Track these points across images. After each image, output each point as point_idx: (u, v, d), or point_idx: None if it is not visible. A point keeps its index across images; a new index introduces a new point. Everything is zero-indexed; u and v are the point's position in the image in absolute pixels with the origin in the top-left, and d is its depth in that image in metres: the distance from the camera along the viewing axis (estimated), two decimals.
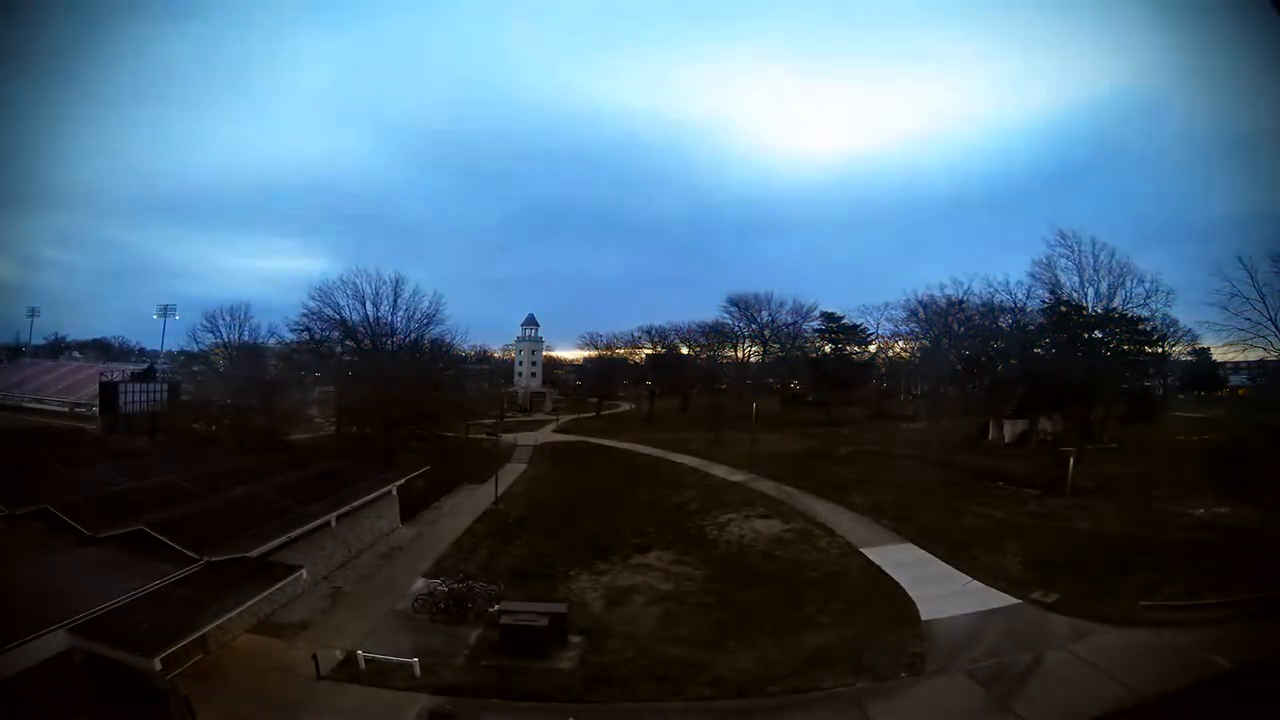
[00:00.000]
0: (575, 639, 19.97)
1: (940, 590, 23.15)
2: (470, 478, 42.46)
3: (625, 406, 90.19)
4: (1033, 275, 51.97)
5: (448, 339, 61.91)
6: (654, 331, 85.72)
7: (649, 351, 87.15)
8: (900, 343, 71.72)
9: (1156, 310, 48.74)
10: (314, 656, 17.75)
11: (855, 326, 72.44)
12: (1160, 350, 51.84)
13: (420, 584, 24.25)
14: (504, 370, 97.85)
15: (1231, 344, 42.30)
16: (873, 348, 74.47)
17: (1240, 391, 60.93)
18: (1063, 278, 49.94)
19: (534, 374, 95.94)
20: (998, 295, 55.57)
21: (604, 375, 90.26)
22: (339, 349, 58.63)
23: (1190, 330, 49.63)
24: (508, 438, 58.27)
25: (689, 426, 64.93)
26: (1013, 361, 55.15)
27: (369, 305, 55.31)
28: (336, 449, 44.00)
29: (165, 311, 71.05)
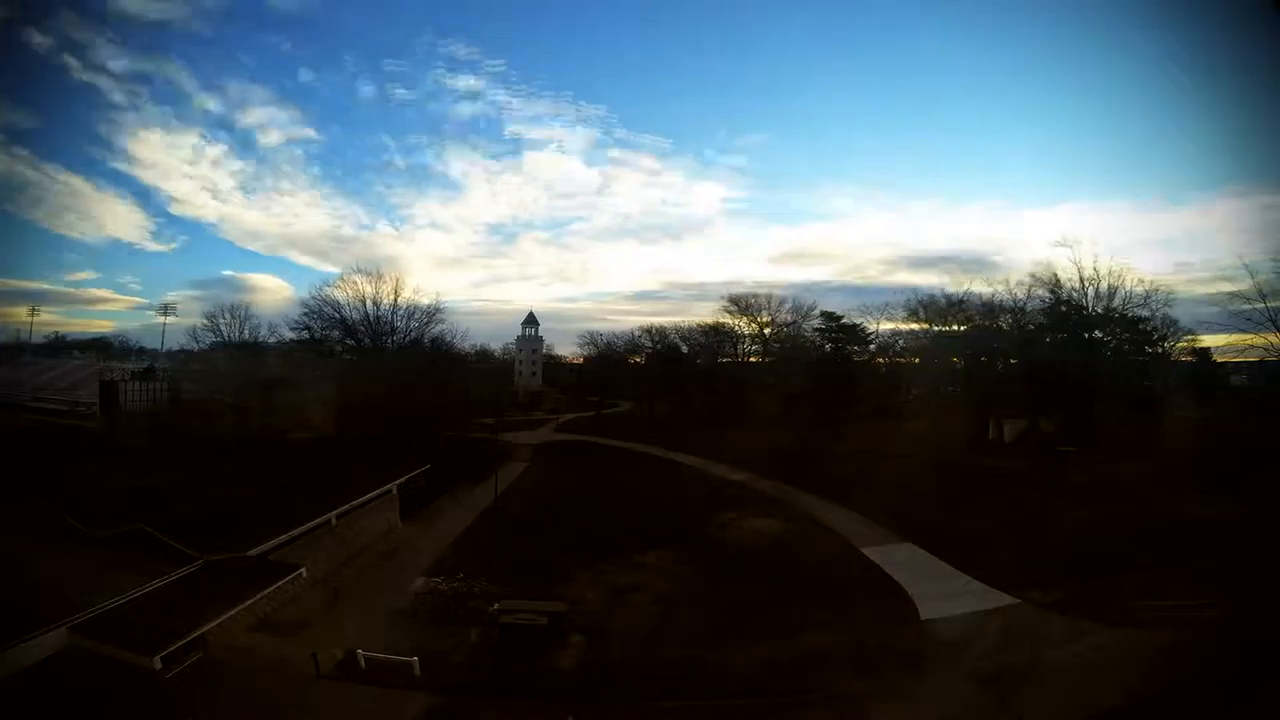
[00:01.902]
0: (575, 638, 19.98)
1: (940, 590, 23.17)
2: (471, 477, 42.44)
3: (625, 406, 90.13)
4: (1033, 275, 52.08)
5: (448, 338, 62.19)
6: (654, 331, 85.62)
7: (649, 350, 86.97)
8: (900, 342, 71.78)
9: (1156, 310, 48.88)
10: (314, 655, 17.74)
11: (855, 326, 72.46)
12: (1160, 350, 51.86)
13: (420, 583, 24.25)
14: (504, 369, 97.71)
15: (1231, 344, 42.44)
16: (873, 347, 74.48)
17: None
18: (1063, 278, 50.09)
19: (534, 373, 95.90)
20: (998, 295, 55.69)
21: (604, 374, 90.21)
22: (339, 348, 58.70)
23: (1190, 330, 49.86)
24: (508, 437, 58.25)
25: (689, 426, 64.86)
26: (1013, 361, 55.11)
27: (369, 304, 55.52)
28: (337, 449, 43.96)
29: (165, 310, 71.23)
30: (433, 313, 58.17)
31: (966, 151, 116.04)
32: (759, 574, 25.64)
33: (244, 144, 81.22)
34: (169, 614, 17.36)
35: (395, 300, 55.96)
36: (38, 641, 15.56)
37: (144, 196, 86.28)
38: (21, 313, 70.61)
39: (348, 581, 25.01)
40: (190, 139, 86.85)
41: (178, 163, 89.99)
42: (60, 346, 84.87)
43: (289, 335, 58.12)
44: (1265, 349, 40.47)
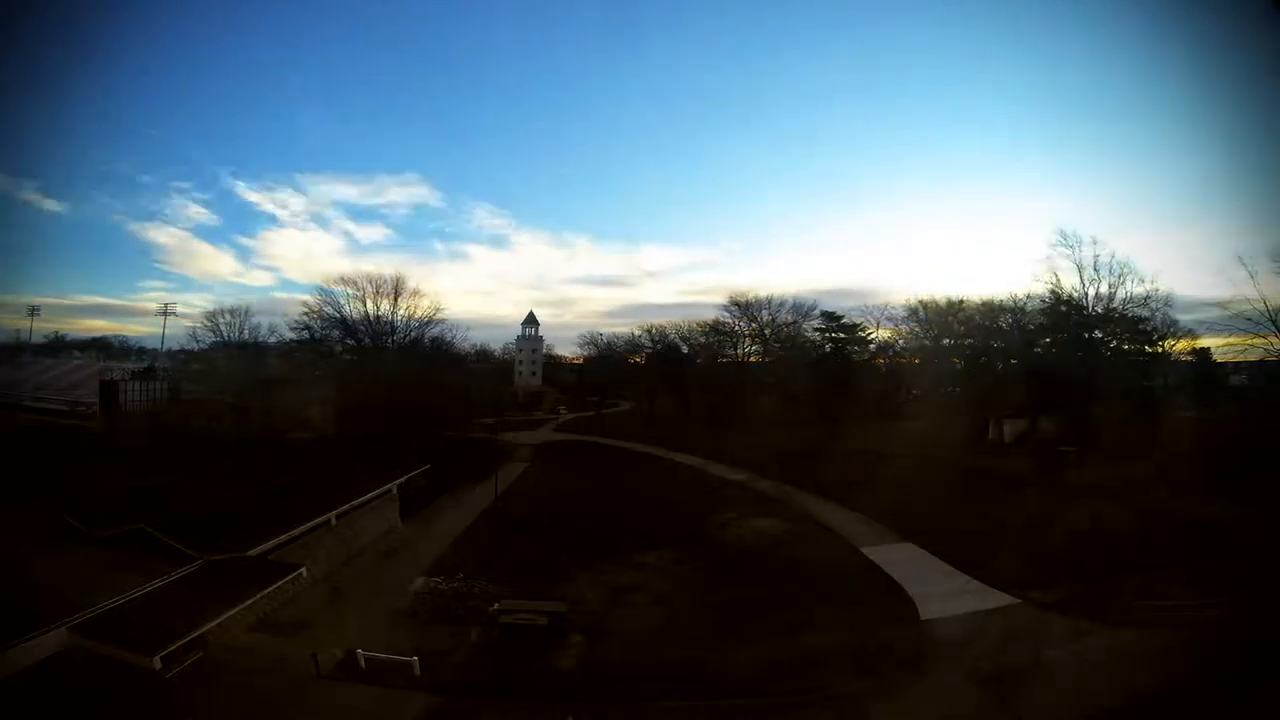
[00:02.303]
0: (575, 638, 19.99)
1: (940, 589, 23.17)
2: (471, 477, 42.45)
3: (625, 406, 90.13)
4: (1033, 275, 52.14)
5: (448, 338, 62.19)
6: (654, 331, 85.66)
7: (649, 350, 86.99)
8: (901, 342, 71.84)
9: (1156, 310, 48.88)
10: (314, 655, 17.75)
11: (855, 326, 72.48)
12: (1160, 350, 51.89)
13: (420, 583, 24.24)
14: (504, 369, 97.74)
15: (1231, 344, 42.46)
16: (873, 347, 74.53)
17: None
18: (1063, 278, 50.08)
19: (534, 373, 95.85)
20: (998, 295, 55.74)
21: (604, 374, 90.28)
22: (339, 348, 58.70)
23: (1190, 330, 49.88)
24: (508, 437, 58.25)
25: (689, 426, 64.91)
26: (1013, 361, 55.11)
27: (369, 304, 55.53)
28: (336, 449, 44.00)
29: (165, 311, 71.26)
30: (432, 314, 58.22)
31: (954, 160, 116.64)
32: (759, 574, 25.66)
33: (348, 239, 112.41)
34: (169, 614, 17.36)
35: (395, 301, 56.02)
36: (38, 641, 15.56)
37: (247, 253, 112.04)
38: (98, 323, 79.94)
39: (348, 581, 25.01)
40: (314, 234, 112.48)
41: (294, 242, 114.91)
42: (60, 346, 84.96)
43: (289, 335, 58.17)
44: (1265, 349, 40.47)
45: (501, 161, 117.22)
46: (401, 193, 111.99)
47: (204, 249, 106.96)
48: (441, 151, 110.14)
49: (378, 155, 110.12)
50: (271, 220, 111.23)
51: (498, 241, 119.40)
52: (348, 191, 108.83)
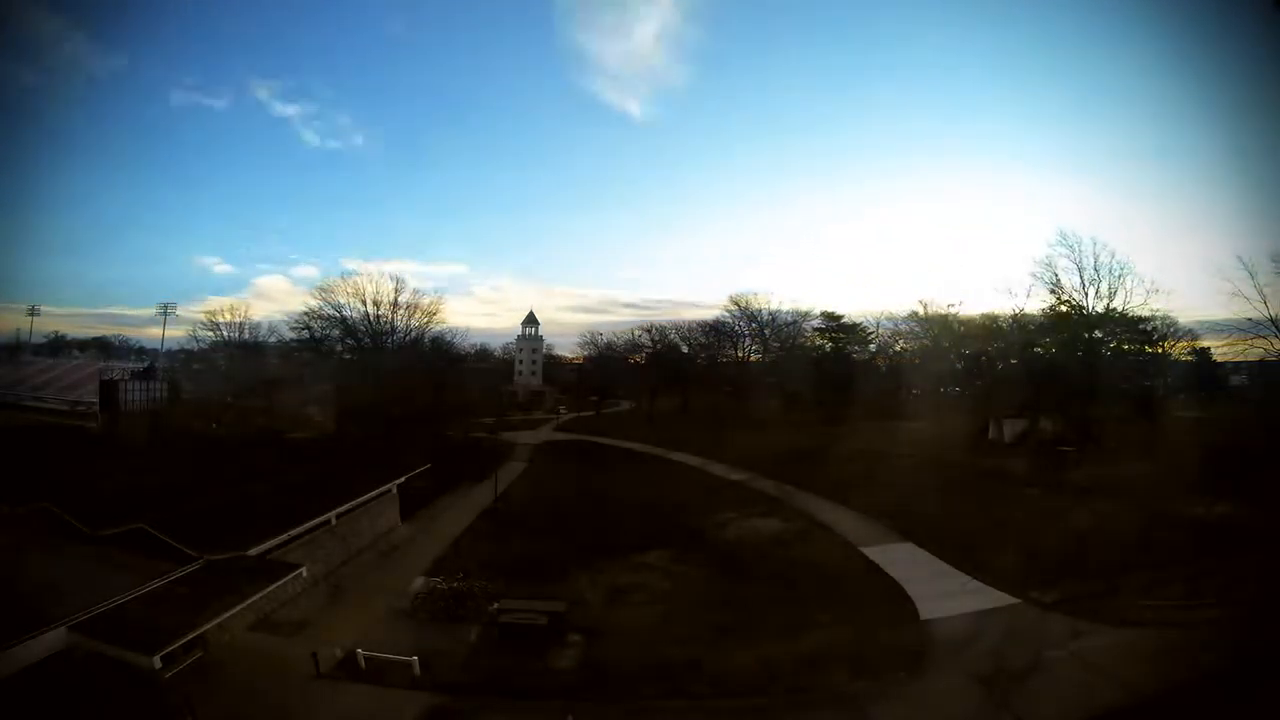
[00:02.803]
0: (574, 637, 19.99)
1: (939, 589, 23.18)
2: (470, 476, 42.44)
3: (625, 405, 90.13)
4: (1033, 275, 51.99)
5: (448, 338, 62.25)
6: (654, 330, 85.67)
7: (649, 350, 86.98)
8: (901, 342, 71.84)
9: (1156, 310, 48.87)
10: (314, 655, 17.75)
11: (855, 326, 72.54)
12: (1160, 350, 51.88)
13: (420, 583, 24.20)
14: (504, 369, 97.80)
15: (1232, 344, 42.50)
16: (873, 347, 74.57)
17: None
18: (1063, 278, 50.01)
19: (534, 373, 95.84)
20: (997, 297, 55.74)
21: (604, 374, 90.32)
22: (339, 348, 58.73)
23: (1190, 330, 49.88)
24: (508, 436, 58.28)
25: (689, 425, 64.92)
26: (1013, 361, 55.09)
27: (369, 304, 55.55)
28: (336, 448, 43.98)
29: (165, 310, 71.26)
30: (432, 313, 58.27)
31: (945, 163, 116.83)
32: (759, 573, 25.63)
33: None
34: (169, 614, 17.34)
35: (395, 300, 56.06)
36: (38, 641, 15.55)
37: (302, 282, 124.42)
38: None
39: (347, 581, 25.03)
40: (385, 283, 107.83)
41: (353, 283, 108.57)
42: (60, 346, 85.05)
43: (289, 335, 58.19)
44: (1265, 349, 40.50)
45: (510, 242, 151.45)
46: (447, 269, 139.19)
47: (275, 283, 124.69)
48: (475, 236, 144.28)
49: (441, 245, 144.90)
50: (345, 271, 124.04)
51: (499, 288, 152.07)
52: (412, 268, 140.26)
